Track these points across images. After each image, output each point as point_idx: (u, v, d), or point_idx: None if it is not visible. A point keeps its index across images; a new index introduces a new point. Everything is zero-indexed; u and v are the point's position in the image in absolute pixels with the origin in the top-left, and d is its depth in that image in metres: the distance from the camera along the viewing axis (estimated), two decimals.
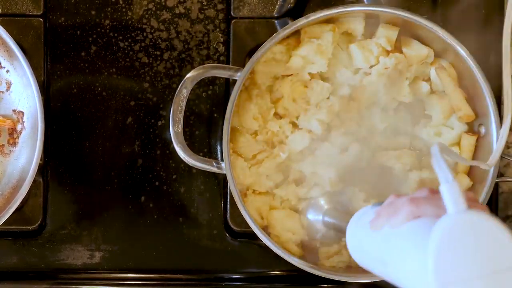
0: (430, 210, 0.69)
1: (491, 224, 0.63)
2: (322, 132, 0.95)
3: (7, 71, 0.97)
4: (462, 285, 0.61)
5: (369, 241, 0.76)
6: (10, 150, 0.97)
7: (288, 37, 0.95)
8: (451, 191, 0.65)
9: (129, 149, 1.00)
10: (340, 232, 0.94)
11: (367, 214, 0.78)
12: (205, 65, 0.94)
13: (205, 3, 1.00)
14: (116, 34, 0.99)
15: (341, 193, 0.96)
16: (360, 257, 0.80)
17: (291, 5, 0.99)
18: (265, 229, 0.96)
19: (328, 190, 0.95)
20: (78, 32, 0.99)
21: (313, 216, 0.96)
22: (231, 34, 1.00)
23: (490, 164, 0.90)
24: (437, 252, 0.61)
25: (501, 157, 0.92)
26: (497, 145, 0.92)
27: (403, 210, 0.70)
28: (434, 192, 0.72)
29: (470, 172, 0.96)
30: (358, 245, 0.80)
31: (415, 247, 0.66)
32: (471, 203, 0.67)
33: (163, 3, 0.99)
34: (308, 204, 0.96)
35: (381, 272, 0.75)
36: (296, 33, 0.95)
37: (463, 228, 0.62)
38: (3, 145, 0.97)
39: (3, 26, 0.92)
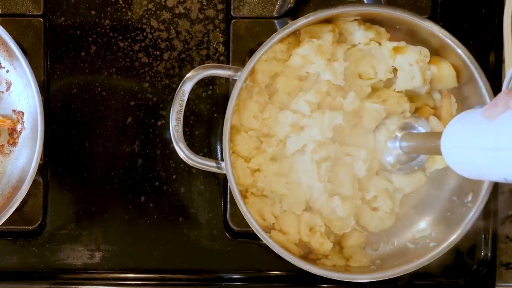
0: None
1: None
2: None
3: (7, 71, 0.97)
4: None
5: (478, 132, 0.77)
6: (10, 150, 0.97)
7: (288, 36, 0.95)
8: None
9: (129, 149, 1.00)
10: (410, 155, 0.96)
11: (474, 112, 0.80)
12: (205, 65, 0.94)
13: (205, 3, 1.00)
14: (116, 34, 0.99)
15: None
16: (460, 154, 0.81)
17: (291, 5, 1.00)
18: (265, 229, 0.96)
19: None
20: (78, 32, 0.99)
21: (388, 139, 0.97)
22: (231, 34, 1.00)
23: None
24: None
25: None
26: None
27: None
28: None
29: None
30: (460, 141, 0.81)
31: None
32: None
33: (163, 3, 0.99)
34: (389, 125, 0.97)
35: (489, 163, 0.76)
36: (297, 32, 0.95)
37: None
38: (3, 145, 0.97)
39: (3, 26, 0.92)
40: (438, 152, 0.84)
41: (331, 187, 0.97)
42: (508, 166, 0.73)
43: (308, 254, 0.97)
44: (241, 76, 0.91)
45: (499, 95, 0.76)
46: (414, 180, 0.99)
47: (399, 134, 0.96)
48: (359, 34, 0.96)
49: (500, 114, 0.75)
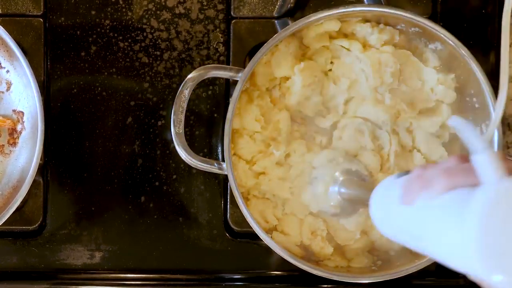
0: (465, 180, 0.65)
1: None
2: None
3: (7, 71, 0.97)
4: (508, 256, 0.59)
5: (399, 215, 0.71)
6: (10, 150, 0.97)
7: (289, 37, 0.95)
8: (487, 159, 0.62)
9: (129, 149, 1.00)
10: (355, 202, 0.93)
11: (393, 186, 0.74)
12: (206, 65, 0.94)
13: (205, 3, 1.00)
14: (116, 34, 0.99)
15: (353, 163, 0.94)
16: (388, 230, 0.76)
17: (291, 5, 0.99)
18: (267, 230, 0.95)
19: (341, 161, 0.94)
20: (78, 32, 0.99)
21: (328, 188, 0.94)
22: (231, 34, 1.00)
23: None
24: (480, 223, 0.59)
25: None
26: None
27: (436, 183, 0.66)
28: (464, 159, 0.68)
29: None
30: (386, 218, 0.76)
31: (454, 221, 0.62)
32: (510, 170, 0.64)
33: (163, 3, 0.99)
34: (322, 176, 0.94)
35: (414, 246, 0.72)
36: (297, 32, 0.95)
37: (506, 196, 0.60)
38: (3, 145, 0.97)
39: (3, 26, 0.92)
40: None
41: None
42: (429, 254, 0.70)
43: (309, 256, 0.97)
44: (242, 77, 0.91)
45: (412, 182, 0.70)
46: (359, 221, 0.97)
47: (340, 178, 0.93)
48: (374, 38, 0.95)
49: (413, 202, 0.69)
